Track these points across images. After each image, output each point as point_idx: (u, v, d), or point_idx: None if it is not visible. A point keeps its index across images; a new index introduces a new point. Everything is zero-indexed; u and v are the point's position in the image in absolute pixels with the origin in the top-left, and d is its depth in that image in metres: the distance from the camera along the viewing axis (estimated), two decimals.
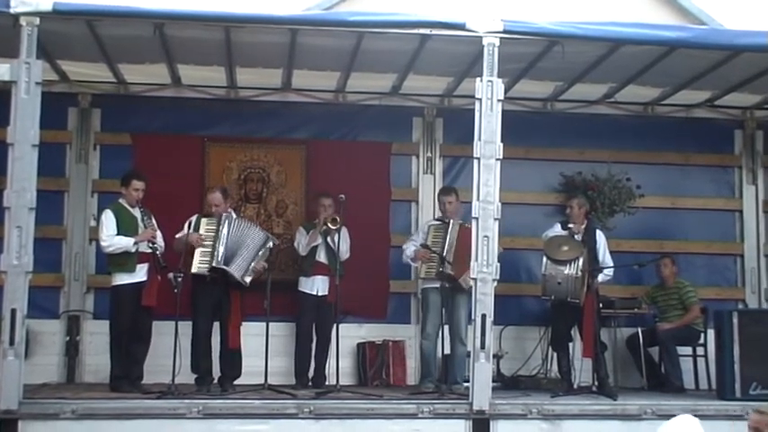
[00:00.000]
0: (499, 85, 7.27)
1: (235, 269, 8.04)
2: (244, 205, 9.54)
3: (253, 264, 8.12)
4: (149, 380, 8.06)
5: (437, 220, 8.85)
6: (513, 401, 7.56)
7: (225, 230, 8.09)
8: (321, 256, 8.83)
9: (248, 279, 8.11)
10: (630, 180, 9.85)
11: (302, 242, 8.83)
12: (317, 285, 8.83)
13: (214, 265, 8.01)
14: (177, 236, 8.22)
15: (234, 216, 8.37)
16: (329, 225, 8.59)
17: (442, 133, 9.89)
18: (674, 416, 7.41)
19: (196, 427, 6.99)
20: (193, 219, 8.23)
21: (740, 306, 9.91)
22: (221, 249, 8.03)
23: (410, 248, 8.77)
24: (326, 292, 8.76)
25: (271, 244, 8.33)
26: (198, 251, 8.05)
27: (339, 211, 8.33)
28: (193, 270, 8.01)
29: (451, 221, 8.58)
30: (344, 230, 8.67)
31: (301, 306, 8.87)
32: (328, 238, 8.74)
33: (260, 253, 8.19)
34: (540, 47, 7.96)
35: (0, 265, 6.73)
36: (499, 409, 7.24)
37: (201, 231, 8.11)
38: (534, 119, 9.76)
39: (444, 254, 8.38)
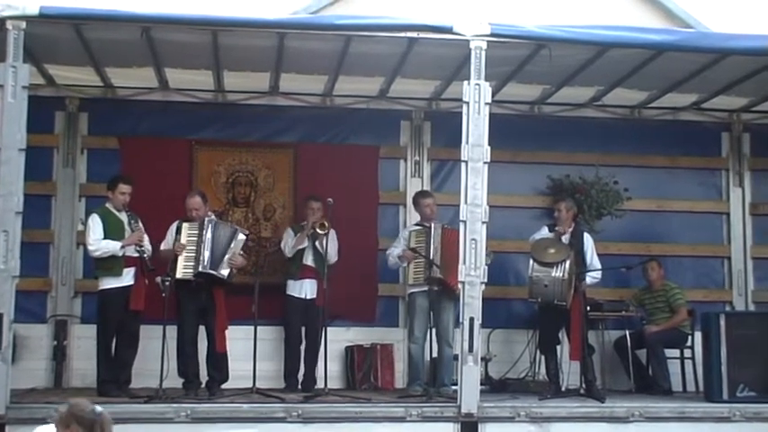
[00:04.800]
0: (486, 89, 7.28)
1: (219, 269, 8.04)
2: (232, 209, 9.53)
3: (227, 256, 8.09)
4: (137, 384, 8.04)
5: (417, 225, 8.86)
6: (502, 404, 7.58)
7: (209, 235, 8.07)
8: (308, 260, 8.81)
9: (225, 272, 8.07)
10: (618, 183, 9.86)
11: (289, 243, 8.80)
12: (305, 289, 8.81)
13: (200, 269, 7.98)
14: (162, 247, 8.22)
15: (215, 219, 8.33)
16: (317, 230, 8.56)
17: (429, 136, 9.89)
18: (662, 418, 7.53)
19: (184, 431, 6.97)
20: (173, 226, 8.19)
21: (727, 308, 9.94)
22: (207, 254, 8.00)
23: (396, 251, 8.78)
24: (315, 296, 8.74)
25: (241, 236, 8.25)
26: (181, 257, 8.02)
27: (327, 214, 8.31)
28: (178, 276, 7.98)
29: (433, 225, 8.60)
30: (333, 234, 8.63)
31: (289, 310, 8.83)
32: (316, 242, 8.72)
33: (231, 245, 8.13)
34: (527, 50, 7.97)
35: None
36: (487, 412, 7.24)
37: (184, 236, 8.07)
38: (522, 122, 9.77)
39: (431, 257, 8.39)
